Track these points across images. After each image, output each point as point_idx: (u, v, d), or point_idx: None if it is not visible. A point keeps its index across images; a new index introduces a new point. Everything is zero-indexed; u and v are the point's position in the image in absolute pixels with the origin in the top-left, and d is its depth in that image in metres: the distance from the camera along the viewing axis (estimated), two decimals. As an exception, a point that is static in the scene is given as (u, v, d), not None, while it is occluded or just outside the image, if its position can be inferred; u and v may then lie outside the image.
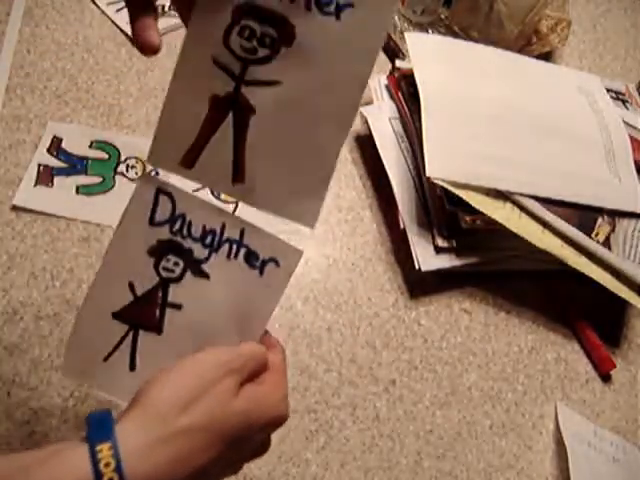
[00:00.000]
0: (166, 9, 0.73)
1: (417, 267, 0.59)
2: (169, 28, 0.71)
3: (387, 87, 0.70)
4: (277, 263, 0.36)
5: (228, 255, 0.36)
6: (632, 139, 0.70)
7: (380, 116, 0.68)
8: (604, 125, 0.69)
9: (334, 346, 0.57)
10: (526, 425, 0.58)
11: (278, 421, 0.34)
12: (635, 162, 0.68)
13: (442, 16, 0.80)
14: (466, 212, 0.59)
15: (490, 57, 0.71)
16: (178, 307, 0.36)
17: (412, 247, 0.60)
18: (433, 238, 0.61)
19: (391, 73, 0.71)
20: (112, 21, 0.70)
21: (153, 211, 0.35)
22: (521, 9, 0.75)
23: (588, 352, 0.63)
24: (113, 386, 0.37)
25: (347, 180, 0.67)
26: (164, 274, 0.36)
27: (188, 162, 0.34)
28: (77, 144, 0.61)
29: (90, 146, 0.61)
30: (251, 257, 0.36)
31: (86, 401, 0.49)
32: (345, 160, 0.68)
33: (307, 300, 0.59)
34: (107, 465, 0.29)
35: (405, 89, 0.67)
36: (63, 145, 0.60)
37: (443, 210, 0.60)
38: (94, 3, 0.71)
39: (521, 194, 0.60)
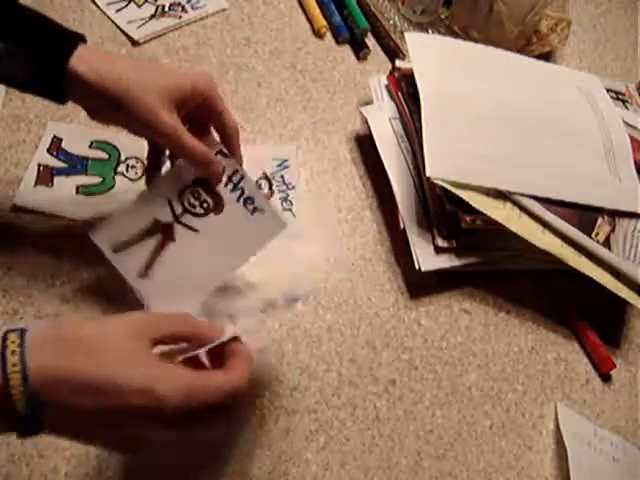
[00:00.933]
0: (166, 9, 0.73)
1: (417, 267, 0.59)
2: (169, 28, 0.72)
3: (387, 87, 0.70)
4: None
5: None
6: (632, 139, 0.70)
7: (380, 116, 0.68)
8: (604, 125, 0.69)
9: (334, 346, 0.57)
10: (526, 425, 0.58)
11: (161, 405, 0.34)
12: (635, 162, 0.68)
13: (442, 16, 0.80)
14: (466, 212, 0.59)
15: (490, 57, 0.71)
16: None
17: (412, 247, 0.60)
18: (433, 238, 0.61)
19: (391, 73, 0.71)
20: (112, 21, 0.70)
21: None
22: (521, 9, 0.75)
23: (588, 352, 0.63)
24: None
25: (347, 180, 0.67)
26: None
27: (118, 249, 0.49)
28: (77, 144, 0.61)
29: (90, 146, 0.61)
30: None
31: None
32: (345, 160, 0.68)
33: (307, 300, 0.59)
34: (13, 353, 0.31)
35: (405, 89, 0.67)
36: (63, 145, 0.60)
37: (443, 210, 0.60)
38: (94, 3, 0.71)
39: (521, 194, 0.60)
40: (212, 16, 0.75)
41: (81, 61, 0.42)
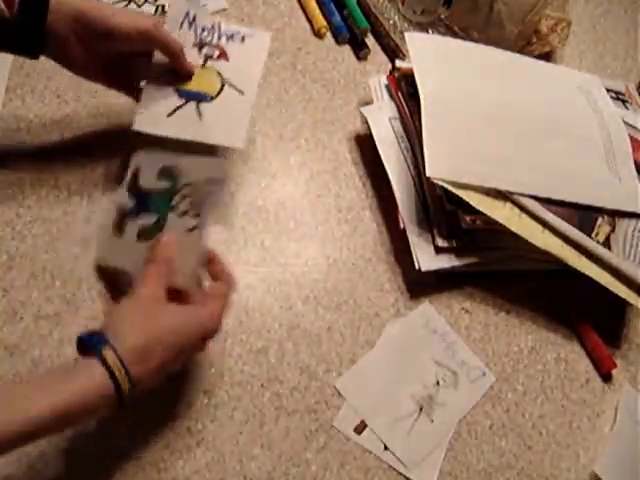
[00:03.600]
0: (166, 9, 0.73)
1: (417, 267, 0.59)
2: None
3: (387, 87, 0.70)
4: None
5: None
6: (632, 139, 0.70)
7: (380, 116, 0.68)
8: (604, 125, 0.69)
9: (334, 346, 0.57)
10: (526, 425, 0.58)
11: (209, 332, 0.46)
12: (635, 162, 0.68)
13: (442, 16, 0.80)
14: (466, 212, 0.59)
15: (490, 57, 0.71)
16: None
17: (412, 247, 0.60)
18: (433, 238, 0.61)
19: (391, 73, 0.71)
20: (112, 21, 0.70)
21: None
22: (521, 9, 0.75)
23: (588, 352, 0.63)
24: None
25: (347, 180, 0.67)
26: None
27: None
28: (148, 174, 0.54)
29: (158, 175, 0.54)
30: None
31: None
32: (345, 160, 0.68)
33: (307, 300, 0.59)
34: (119, 370, 0.39)
35: (405, 89, 0.67)
36: (139, 180, 0.54)
37: (443, 210, 0.60)
38: None
39: (521, 194, 0.60)
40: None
41: None
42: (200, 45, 0.58)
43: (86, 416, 0.40)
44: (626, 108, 0.76)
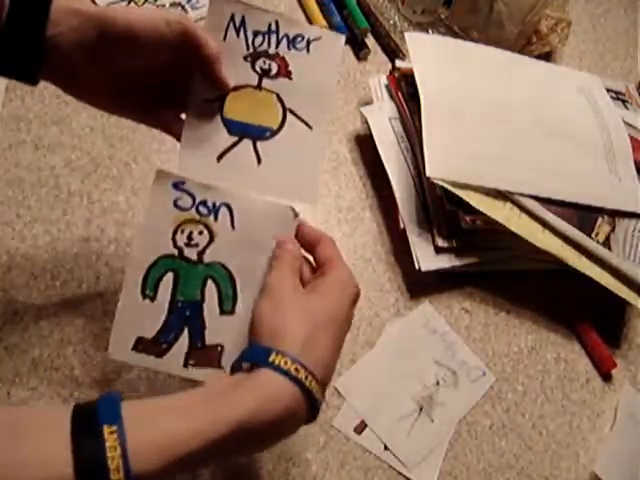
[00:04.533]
0: (166, 9, 0.73)
1: (417, 267, 0.59)
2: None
3: (387, 87, 0.70)
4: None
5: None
6: (632, 139, 0.70)
7: (380, 116, 0.68)
8: (604, 125, 0.69)
9: (334, 346, 0.57)
10: (526, 425, 0.58)
11: (354, 295, 0.41)
12: (635, 162, 0.68)
13: (442, 16, 0.80)
14: (466, 212, 0.59)
15: (490, 57, 0.71)
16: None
17: (412, 247, 0.60)
18: (433, 238, 0.61)
19: (391, 73, 0.71)
20: (112, 21, 0.70)
21: None
22: (521, 9, 0.75)
23: (588, 352, 0.63)
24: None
25: (347, 180, 0.67)
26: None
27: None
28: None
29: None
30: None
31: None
32: (345, 160, 0.68)
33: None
34: (296, 370, 0.35)
35: (405, 89, 0.67)
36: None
37: (443, 210, 0.60)
38: (94, 3, 0.71)
39: (521, 194, 0.60)
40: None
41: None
42: (253, 57, 0.44)
43: (274, 431, 0.35)
44: (626, 108, 0.76)
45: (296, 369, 0.34)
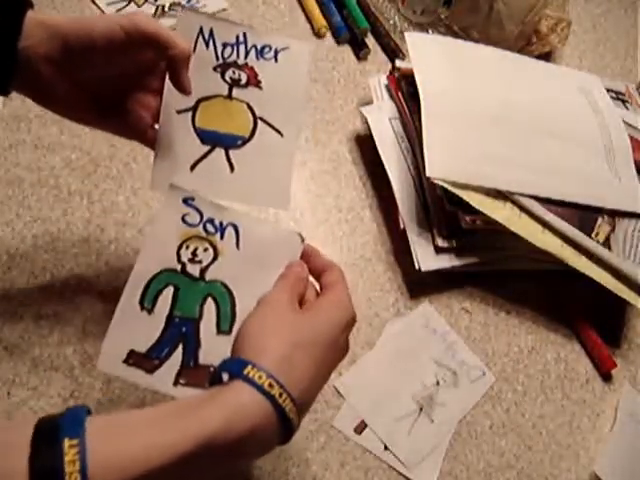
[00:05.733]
0: (166, 9, 0.73)
1: (417, 267, 0.59)
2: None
3: (387, 87, 0.70)
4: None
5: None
6: (632, 139, 0.70)
7: (380, 116, 0.68)
8: (604, 125, 0.69)
9: (334, 346, 0.57)
10: (526, 425, 0.58)
11: (347, 319, 0.39)
12: (635, 162, 0.68)
13: (442, 16, 0.80)
14: (466, 212, 0.59)
15: (490, 57, 0.71)
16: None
17: (412, 247, 0.60)
18: (433, 238, 0.61)
19: (391, 73, 0.71)
20: (112, 21, 0.70)
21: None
22: (521, 9, 0.75)
23: (589, 351, 0.63)
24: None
25: (347, 180, 0.67)
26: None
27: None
28: None
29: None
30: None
31: (86, 401, 0.49)
32: (345, 160, 0.68)
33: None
34: (270, 385, 0.33)
35: (405, 89, 0.67)
36: None
37: (443, 210, 0.60)
38: (94, 3, 0.71)
39: (521, 194, 0.60)
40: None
41: (36, 13, 0.37)
42: (223, 68, 0.45)
43: (243, 447, 0.33)
44: (626, 108, 0.76)
45: (270, 384, 0.33)
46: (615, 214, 0.64)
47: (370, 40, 0.79)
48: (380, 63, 0.78)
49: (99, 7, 0.71)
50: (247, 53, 0.45)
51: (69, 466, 0.28)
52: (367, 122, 0.67)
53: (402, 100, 0.68)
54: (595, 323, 0.64)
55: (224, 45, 0.45)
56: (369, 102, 0.70)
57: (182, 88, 0.42)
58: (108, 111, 0.43)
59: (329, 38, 0.78)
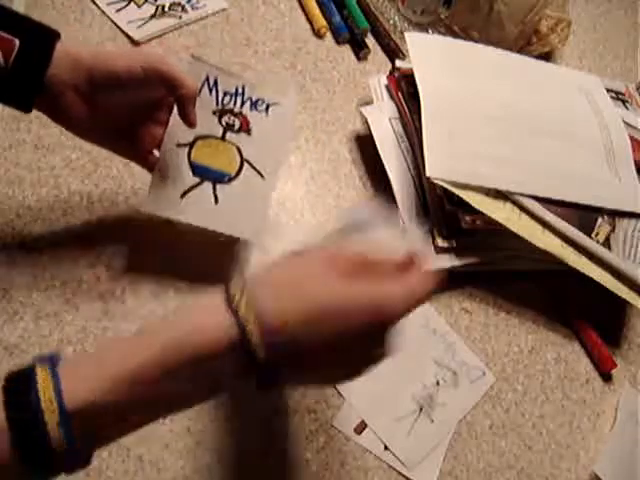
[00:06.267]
0: (166, 9, 0.73)
1: (417, 267, 0.59)
2: (169, 28, 0.72)
3: (387, 87, 0.70)
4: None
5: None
6: (632, 139, 0.70)
7: (380, 116, 0.68)
8: (604, 125, 0.69)
9: (334, 346, 0.57)
10: (526, 425, 0.58)
11: (381, 318, 0.33)
12: (635, 162, 0.68)
13: (442, 16, 0.80)
14: (466, 212, 0.59)
15: (490, 57, 0.71)
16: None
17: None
18: (433, 238, 0.61)
19: (391, 73, 0.71)
20: (112, 21, 0.70)
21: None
22: (521, 9, 0.75)
23: (589, 352, 0.63)
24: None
25: (347, 180, 0.67)
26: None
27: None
28: None
29: None
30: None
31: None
32: (345, 160, 0.68)
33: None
34: (247, 309, 0.31)
35: (405, 89, 0.67)
36: None
37: (443, 210, 0.60)
38: (94, 3, 0.71)
39: (521, 194, 0.60)
40: (212, 16, 0.75)
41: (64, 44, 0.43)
42: (221, 113, 0.52)
43: (205, 369, 0.31)
44: (626, 108, 0.76)
45: (246, 308, 0.31)
46: (615, 214, 0.64)
47: (370, 40, 0.79)
48: (380, 63, 0.78)
49: (99, 7, 0.71)
50: (243, 103, 0.53)
51: (41, 376, 0.29)
52: (367, 122, 0.67)
53: (402, 100, 0.68)
54: (595, 323, 0.64)
55: (225, 93, 0.52)
56: (369, 102, 0.70)
57: (189, 121, 0.48)
58: (119, 136, 0.49)
59: (329, 38, 0.78)
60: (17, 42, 0.41)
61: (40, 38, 0.42)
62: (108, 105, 0.46)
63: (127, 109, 0.47)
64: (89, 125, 0.46)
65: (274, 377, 0.33)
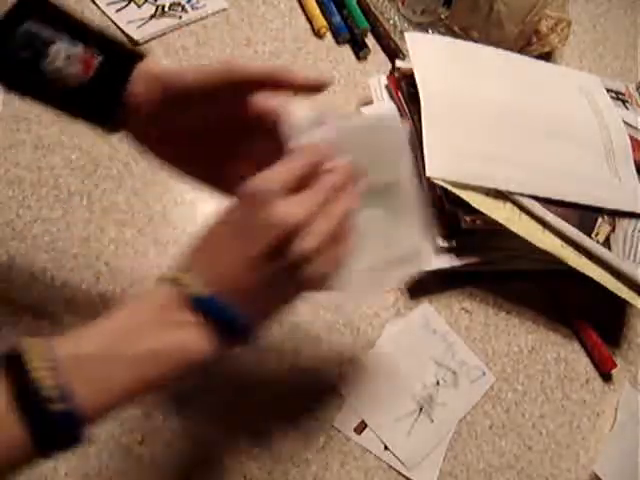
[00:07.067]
0: (166, 9, 0.73)
1: (417, 267, 0.59)
2: (169, 28, 0.72)
3: (387, 87, 0.70)
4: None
5: None
6: (632, 139, 0.70)
7: (380, 116, 0.67)
8: (604, 125, 0.69)
9: (334, 346, 0.57)
10: (526, 425, 0.58)
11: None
12: (635, 162, 0.68)
13: (442, 16, 0.80)
14: (466, 212, 0.59)
15: (490, 57, 0.71)
16: None
17: (412, 247, 0.60)
18: (433, 238, 0.61)
19: (391, 73, 0.71)
20: (112, 21, 0.70)
21: None
22: (521, 9, 0.75)
23: (589, 352, 0.63)
24: None
25: (347, 180, 0.67)
26: None
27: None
28: None
29: None
30: None
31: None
32: (345, 160, 0.68)
33: (307, 300, 0.59)
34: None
35: (405, 89, 0.67)
36: None
37: (443, 210, 0.60)
38: (94, 3, 0.71)
39: (521, 194, 0.60)
40: (212, 16, 0.75)
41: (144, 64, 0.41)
42: None
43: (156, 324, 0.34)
44: (626, 108, 0.76)
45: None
46: (615, 214, 0.64)
47: (370, 40, 0.79)
48: (380, 63, 0.78)
49: (99, 7, 0.71)
50: None
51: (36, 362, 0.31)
52: (367, 122, 0.67)
53: (402, 100, 0.68)
54: (595, 323, 0.64)
55: None
56: (369, 102, 0.70)
57: (308, 85, 0.40)
58: (210, 165, 0.44)
59: (329, 38, 0.78)
60: (95, 62, 0.40)
61: (124, 59, 0.41)
62: (182, 121, 0.42)
63: (203, 127, 0.42)
64: (166, 144, 0.43)
65: (248, 328, 0.36)
